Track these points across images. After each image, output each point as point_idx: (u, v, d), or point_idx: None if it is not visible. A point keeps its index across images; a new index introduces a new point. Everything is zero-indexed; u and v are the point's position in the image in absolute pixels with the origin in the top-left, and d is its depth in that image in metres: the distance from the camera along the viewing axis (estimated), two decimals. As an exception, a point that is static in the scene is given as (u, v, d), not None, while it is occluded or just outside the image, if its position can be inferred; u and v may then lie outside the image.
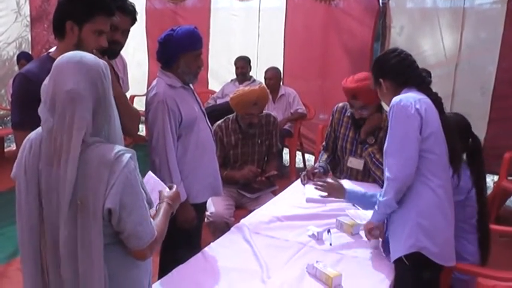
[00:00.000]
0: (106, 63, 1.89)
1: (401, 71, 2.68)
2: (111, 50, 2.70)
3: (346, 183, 3.67)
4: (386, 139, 2.59)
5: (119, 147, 1.80)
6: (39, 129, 1.84)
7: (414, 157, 2.50)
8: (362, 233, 2.94)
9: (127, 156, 1.79)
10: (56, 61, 1.82)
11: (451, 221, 2.60)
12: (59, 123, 1.75)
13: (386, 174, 2.55)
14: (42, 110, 1.80)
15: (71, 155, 1.72)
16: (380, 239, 2.78)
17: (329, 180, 3.20)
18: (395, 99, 2.56)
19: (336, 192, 3.10)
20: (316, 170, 3.80)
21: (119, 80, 2.83)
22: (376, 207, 2.66)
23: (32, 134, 1.88)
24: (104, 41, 2.45)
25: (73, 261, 1.79)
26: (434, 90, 2.71)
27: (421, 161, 2.52)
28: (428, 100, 2.60)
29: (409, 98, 2.55)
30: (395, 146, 2.53)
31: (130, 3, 2.82)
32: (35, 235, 1.85)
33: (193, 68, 3.12)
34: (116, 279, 1.87)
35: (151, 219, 1.90)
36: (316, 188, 3.17)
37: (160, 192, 2.15)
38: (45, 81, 1.82)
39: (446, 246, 2.58)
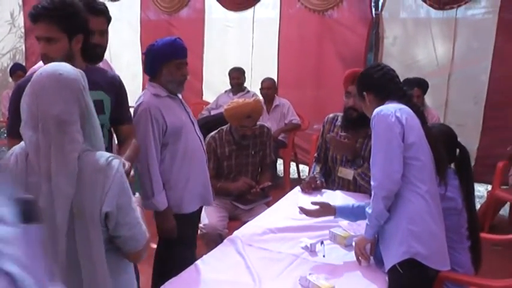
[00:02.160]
0: (82, 71, 1.92)
1: (383, 85, 2.79)
2: (95, 54, 2.73)
3: (338, 195, 3.69)
4: (372, 149, 2.66)
5: (107, 154, 1.86)
6: (23, 143, 1.86)
7: (398, 163, 2.54)
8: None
9: (117, 161, 1.84)
10: (35, 76, 1.83)
11: (441, 225, 2.62)
12: (47, 143, 1.76)
13: (372, 183, 2.59)
14: (24, 128, 1.81)
15: (69, 172, 1.75)
16: (371, 257, 2.77)
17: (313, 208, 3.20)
18: (377, 109, 2.65)
19: (326, 212, 3.13)
20: (317, 182, 3.86)
21: None
22: (367, 221, 2.67)
23: (16, 148, 1.89)
24: (41, 47, 2.49)
25: (75, 270, 1.82)
26: (428, 100, 2.78)
27: (407, 168, 2.56)
28: (409, 110, 2.66)
29: (389, 107, 2.63)
30: (379, 155, 2.59)
31: (100, 2, 2.81)
32: None
33: (176, 76, 3.15)
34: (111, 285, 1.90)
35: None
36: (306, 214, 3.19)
37: None
38: (26, 98, 1.82)
39: (439, 250, 2.59)
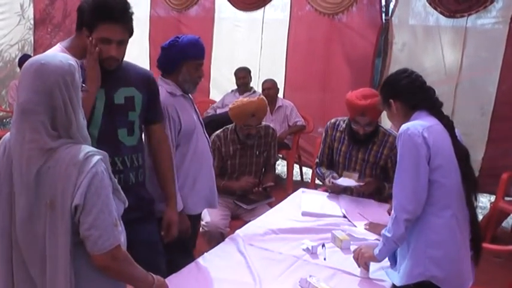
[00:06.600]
0: (77, 64, 1.90)
1: (412, 92, 2.59)
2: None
3: (343, 200, 3.68)
4: (396, 169, 2.50)
5: (89, 148, 1.84)
6: None
7: (423, 187, 2.41)
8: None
9: (97, 157, 1.82)
10: (25, 63, 1.85)
11: (465, 249, 2.52)
12: (14, 131, 1.82)
13: (395, 206, 2.46)
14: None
15: (27, 161, 1.78)
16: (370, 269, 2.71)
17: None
18: (403, 127, 2.47)
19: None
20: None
21: None
22: (383, 243, 2.54)
23: (7, 136, 1.91)
24: (113, 50, 2.44)
25: (41, 260, 1.83)
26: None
27: (431, 192, 2.43)
28: (439, 127, 2.51)
29: (417, 126, 2.45)
30: (404, 176, 2.44)
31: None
32: (5, 236, 1.89)
33: (193, 76, 3.12)
34: (85, 278, 1.88)
35: (118, 229, 1.86)
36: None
37: None
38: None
39: (460, 274, 2.49)
